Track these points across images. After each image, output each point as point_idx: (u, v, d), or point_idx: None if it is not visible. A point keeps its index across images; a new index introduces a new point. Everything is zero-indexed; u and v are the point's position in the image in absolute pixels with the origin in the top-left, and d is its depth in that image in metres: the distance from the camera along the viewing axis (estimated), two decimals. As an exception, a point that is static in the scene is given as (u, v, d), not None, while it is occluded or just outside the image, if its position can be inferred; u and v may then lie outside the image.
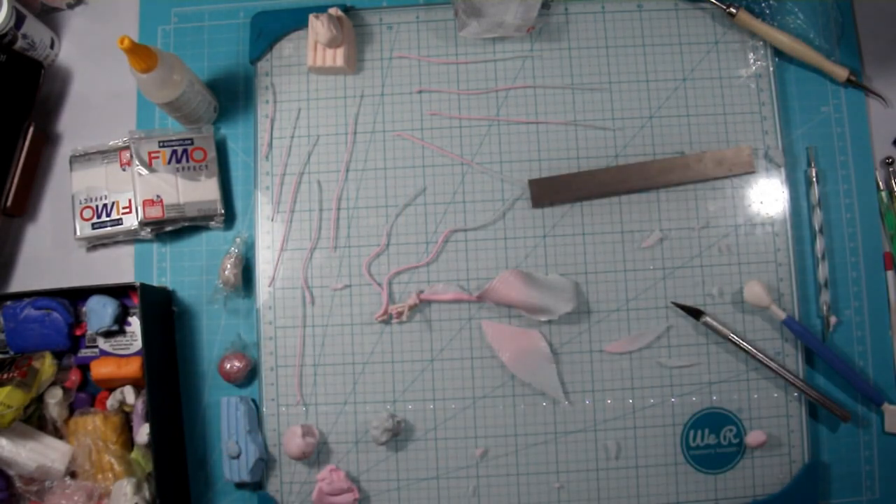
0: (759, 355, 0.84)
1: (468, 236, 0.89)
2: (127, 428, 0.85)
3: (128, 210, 0.89)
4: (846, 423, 0.85)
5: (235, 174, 0.92)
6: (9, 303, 0.86)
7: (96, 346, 0.87)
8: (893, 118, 0.91)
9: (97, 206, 0.90)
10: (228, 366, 0.86)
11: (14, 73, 0.89)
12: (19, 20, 0.89)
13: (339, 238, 0.90)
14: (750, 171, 0.89)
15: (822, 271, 0.87)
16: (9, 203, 0.90)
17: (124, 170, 0.90)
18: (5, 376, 0.80)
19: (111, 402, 0.85)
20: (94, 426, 0.83)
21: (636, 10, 0.92)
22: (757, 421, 0.85)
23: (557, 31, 0.92)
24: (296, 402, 0.87)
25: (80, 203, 0.90)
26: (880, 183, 0.89)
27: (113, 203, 0.90)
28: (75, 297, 0.87)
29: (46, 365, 0.83)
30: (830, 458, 0.86)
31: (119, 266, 0.92)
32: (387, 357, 0.88)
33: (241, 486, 0.87)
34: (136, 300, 0.85)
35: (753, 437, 0.84)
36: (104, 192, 0.90)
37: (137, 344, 0.86)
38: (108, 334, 0.86)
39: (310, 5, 0.91)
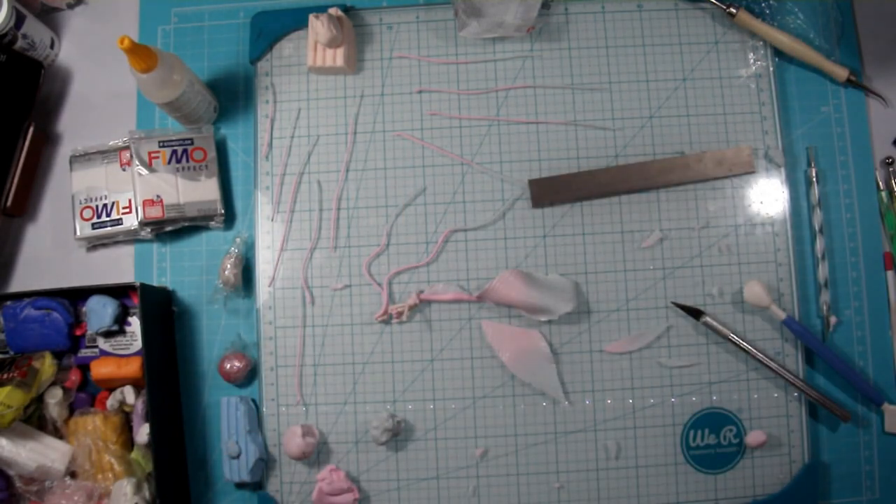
0: (759, 355, 0.84)
1: (468, 236, 0.89)
2: (127, 428, 0.85)
3: (128, 210, 0.89)
4: (846, 423, 0.85)
5: (235, 174, 0.92)
6: (9, 303, 0.86)
7: (96, 346, 0.87)
8: (893, 118, 0.91)
9: (97, 206, 0.90)
10: (228, 366, 0.86)
11: (14, 73, 0.89)
12: (19, 20, 0.89)
13: (339, 238, 0.90)
14: (750, 171, 0.89)
15: (822, 271, 0.87)
16: (9, 203, 0.90)
17: (124, 170, 0.90)
18: (5, 376, 0.80)
19: (111, 402, 0.85)
20: (94, 426, 0.83)
21: (636, 10, 0.92)
22: (757, 421, 0.85)
23: (557, 31, 0.92)
24: (296, 402, 0.87)
25: (80, 203, 0.90)
26: (880, 183, 0.89)
27: (113, 203, 0.90)
28: (75, 297, 0.87)
29: (46, 365, 0.83)
30: (830, 458, 0.86)
31: (119, 266, 0.92)
32: (387, 357, 0.87)
33: (241, 486, 0.87)
34: (136, 300, 0.85)
35: (753, 437, 0.84)
36: (104, 192, 0.90)
37: (137, 344, 0.86)
38: (108, 334, 0.86)
39: (310, 5, 0.91)
